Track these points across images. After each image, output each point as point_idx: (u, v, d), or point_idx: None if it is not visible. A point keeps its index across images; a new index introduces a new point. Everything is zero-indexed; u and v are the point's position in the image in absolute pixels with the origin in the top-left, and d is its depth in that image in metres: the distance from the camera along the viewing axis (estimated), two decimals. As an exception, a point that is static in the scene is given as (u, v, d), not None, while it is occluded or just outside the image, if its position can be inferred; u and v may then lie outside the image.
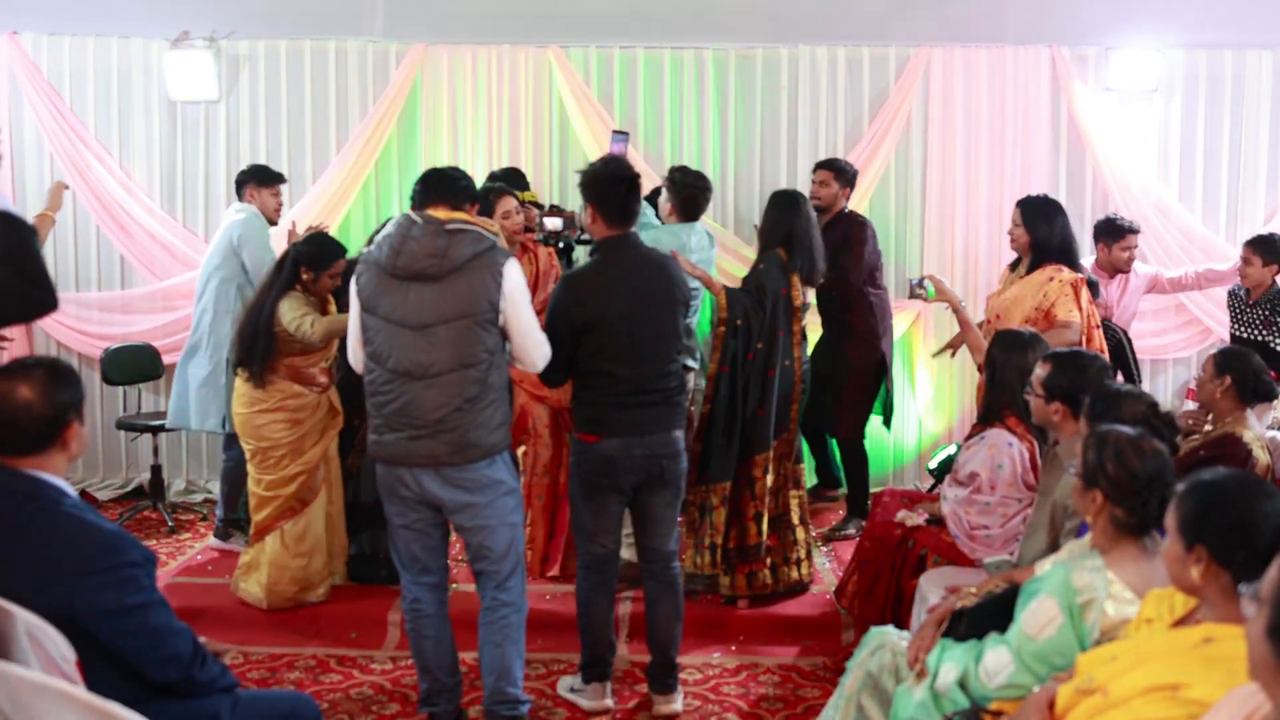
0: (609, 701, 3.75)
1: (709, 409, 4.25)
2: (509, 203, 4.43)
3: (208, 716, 2.40)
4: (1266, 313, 5.04)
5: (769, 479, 4.34)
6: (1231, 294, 5.29)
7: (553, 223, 4.60)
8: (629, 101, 5.96)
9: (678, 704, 3.72)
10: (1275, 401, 5.09)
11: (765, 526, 4.34)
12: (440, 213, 3.21)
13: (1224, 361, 3.72)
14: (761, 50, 5.94)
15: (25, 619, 2.12)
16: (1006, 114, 5.93)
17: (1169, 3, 5.67)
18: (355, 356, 3.31)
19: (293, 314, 4.18)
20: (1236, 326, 5.21)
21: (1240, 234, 6.06)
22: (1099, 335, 4.29)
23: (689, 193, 4.57)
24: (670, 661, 3.71)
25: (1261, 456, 3.55)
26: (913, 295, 4.41)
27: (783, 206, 4.39)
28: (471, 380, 3.14)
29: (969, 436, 3.89)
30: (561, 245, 4.69)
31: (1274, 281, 5.05)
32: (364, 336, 3.22)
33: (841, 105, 5.97)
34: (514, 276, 3.18)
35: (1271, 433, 4.47)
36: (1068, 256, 4.28)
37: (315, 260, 4.26)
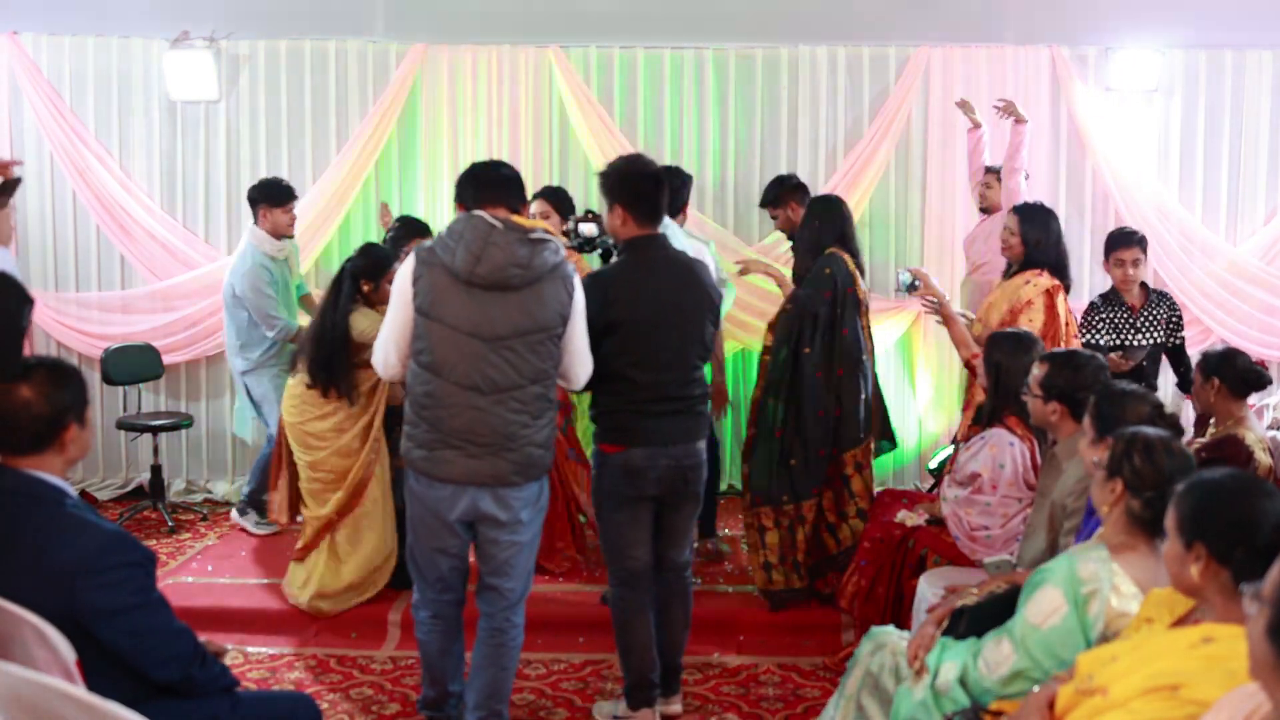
0: None
1: (779, 434, 4.24)
2: None
3: (208, 716, 2.40)
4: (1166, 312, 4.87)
5: (863, 476, 4.39)
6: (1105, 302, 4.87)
7: (588, 228, 4.41)
8: (629, 101, 5.96)
9: (678, 706, 3.72)
10: (1273, 400, 5.10)
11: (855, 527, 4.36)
12: (520, 218, 3.08)
13: (1209, 365, 3.72)
14: (761, 50, 5.94)
15: (26, 619, 2.12)
16: (1007, 114, 5.93)
17: (1169, 3, 5.66)
18: (387, 360, 3.13)
19: (366, 323, 4.20)
20: (1132, 335, 4.79)
21: (1240, 234, 6.08)
22: (1077, 345, 4.27)
23: (676, 184, 4.39)
24: (676, 666, 3.70)
25: (1263, 459, 3.54)
26: (899, 289, 4.40)
27: (826, 209, 4.37)
28: (537, 396, 3.05)
29: (967, 438, 3.89)
30: (600, 251, 4.56)
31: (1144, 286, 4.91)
32: (418, 345, 3.04)
33: (841, 105, 5.97)
34: (579, 289, 3.11)
35: (1272, 433, 4.47)
36: (1059, 268, 4.31)
37: (372, 271, 4.30)
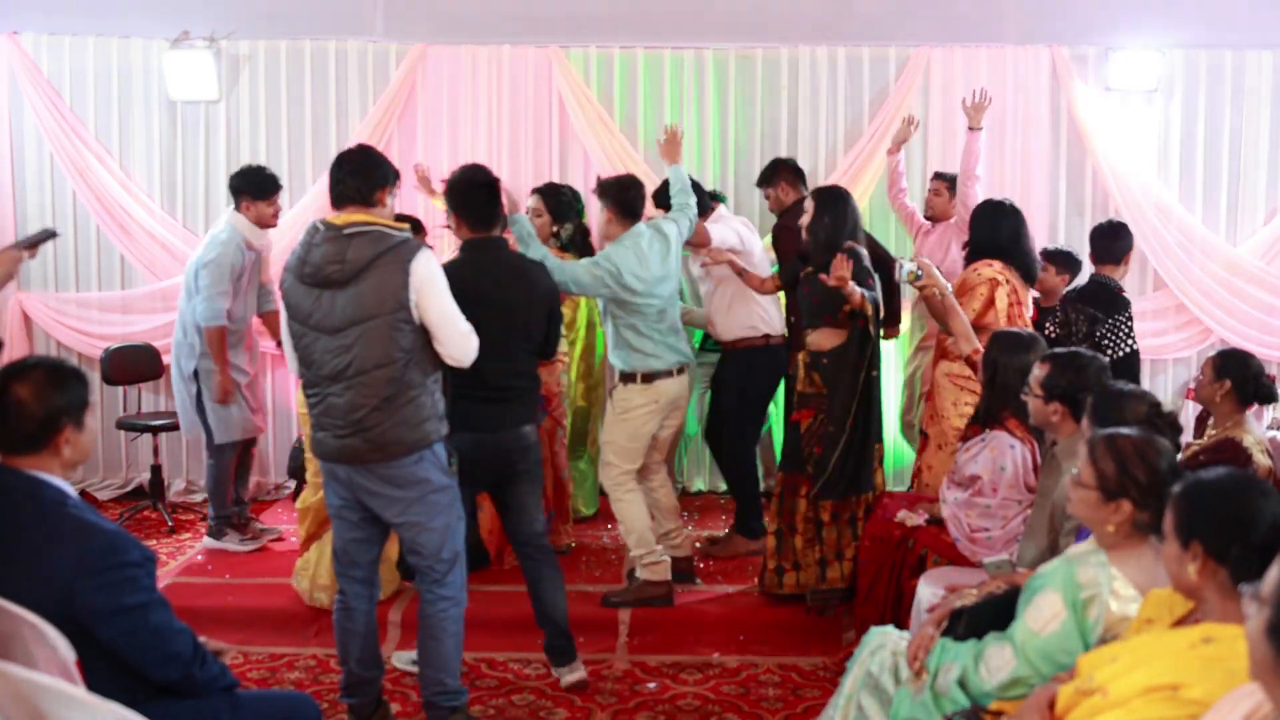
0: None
1: (851, 424, 4.21)
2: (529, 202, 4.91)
3: (208, 716, 2.40)
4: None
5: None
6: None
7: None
8: (629, 101, 5.96)
9: (582, 672, 3.87)
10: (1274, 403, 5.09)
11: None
12: (345, 215, 3.22)
13: (1223, 365, 3.70)
14: (761, 50, 5.94)
15: (26, 619, 2.12)
16: (1006, 114, 5.93)
17: (1169, 3, 5.67)
18: (290, 360, 3.38)
19: None
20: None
21: (1240, 234, 6.08)
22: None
23: (625, 195, 4.41)
24: (567, 632, 3.85)
25: (1262, 460, 3.53)
26: (900, 279, 4.34)
27: (837, 203, 4.37)
28: (387, 380, 3.16)
29: (965, 438, 3.88)
30: None
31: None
32: (292, 342, 3.31)
33: (841, 105, 5.97)
34: (423, 270, 3.16)
35: (1271, 433, 4.47)
36: (1008, 255, 4.43)
37: None
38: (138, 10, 5.70)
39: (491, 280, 3.60)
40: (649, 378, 4.35)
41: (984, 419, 3.73)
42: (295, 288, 3.23)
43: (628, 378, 4.37)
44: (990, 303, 4.37)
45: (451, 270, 3.51)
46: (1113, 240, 4.94)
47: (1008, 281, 4.38)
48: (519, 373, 3.70)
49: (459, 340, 3.26)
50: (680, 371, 4.43)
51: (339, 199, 3.27)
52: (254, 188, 4.95)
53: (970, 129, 5.29)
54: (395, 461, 3.22)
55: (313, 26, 5.86)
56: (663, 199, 4.85)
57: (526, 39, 5.87)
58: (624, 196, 4.39)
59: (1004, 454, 3.62)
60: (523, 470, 3.76)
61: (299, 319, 3.23)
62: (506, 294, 3.62)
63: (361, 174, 3.25)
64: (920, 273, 4.19)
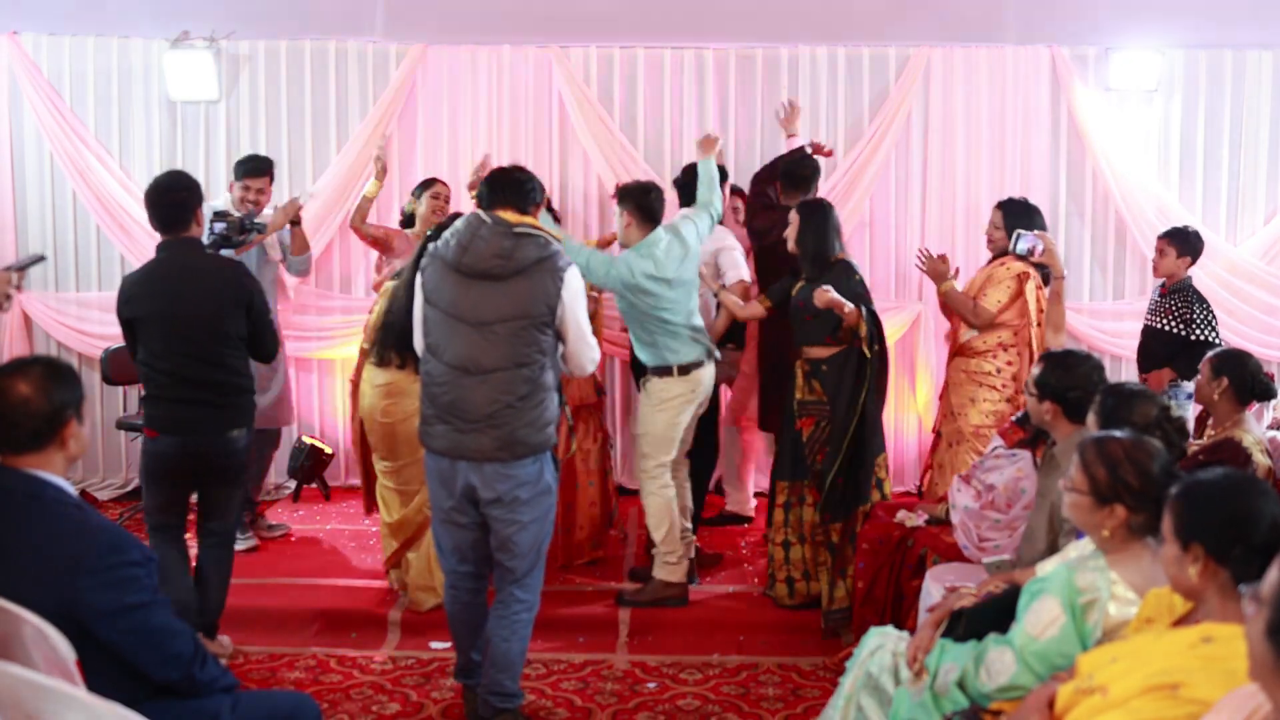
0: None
1: (849, 444, 4.23)
2: (438, 188, 4.98)
3: (208, 716, 2.41)
4: (1178, 304, 5.02)
5: (889, 481, 4.46)
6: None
7: (219, 226, 4.40)
8: (629, 101, 5.96)
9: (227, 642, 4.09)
10: (1273, 401, 5.10)
11: None
12: (509, 215, 3.30)
13: (1220, 364, 3.70)
14: (761, 50, 5.94)
15: (26, 619, 2.12)
16: (1006, 114, 5.93)
17: (1169, 3, 5.66)
18: (419, 344, 3.40)
19: None
20: (1151, 317, 5.14)
21: (1240, 234, 6.08)
22: (1037, 333, 4.39)
23: (645, 200, 4.41)
24: (213, 625, 4.00)
25: (1262, 460, 3.53)
26: (1014, 249, 4.29)
27: (823, 216, 4.41)
28: (523, 379, 3.23)
29: (1005, 433, 3.84)
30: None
31: (1186, 274, 5.07)
32: (425, 328, 3.33)
33: (841, 105, 5.97)
34: (574, 283, 3.29)
35: (1271, 433, 4.47)
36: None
37: None
38: (138, 10, 5.70)
39: (184, 281, 3.69)
40: (685, 369, 4.37)
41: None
42: (443, 275, 3.27)
43: (662, 371, 4.37)
44: (1016, 296, 4.39)
45: (141, 274, 3.70)
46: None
47: (1034, 277, 4.36)
48: (228, 371, 3.75)
49: (586, 352, 3.38)
50: (710, 358, 4.46)
51: (494, 204, 3.35)
52: (236, 171, 5.07)
53: (788, 136, 5.32)
54: (518, 462, 3.25)
55: (313, 26, 5.85)
56: (683, 191, 4.90)
57: (526, 39, 5.86)
58: (644, 200, 4.41)
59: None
60: (229, 475, 3.86)
61: (440, 306, 3.26)
62: (199, 293, 3.70)
63: (520, 190, 3.38)
64: (1040, 246, 4.10)
